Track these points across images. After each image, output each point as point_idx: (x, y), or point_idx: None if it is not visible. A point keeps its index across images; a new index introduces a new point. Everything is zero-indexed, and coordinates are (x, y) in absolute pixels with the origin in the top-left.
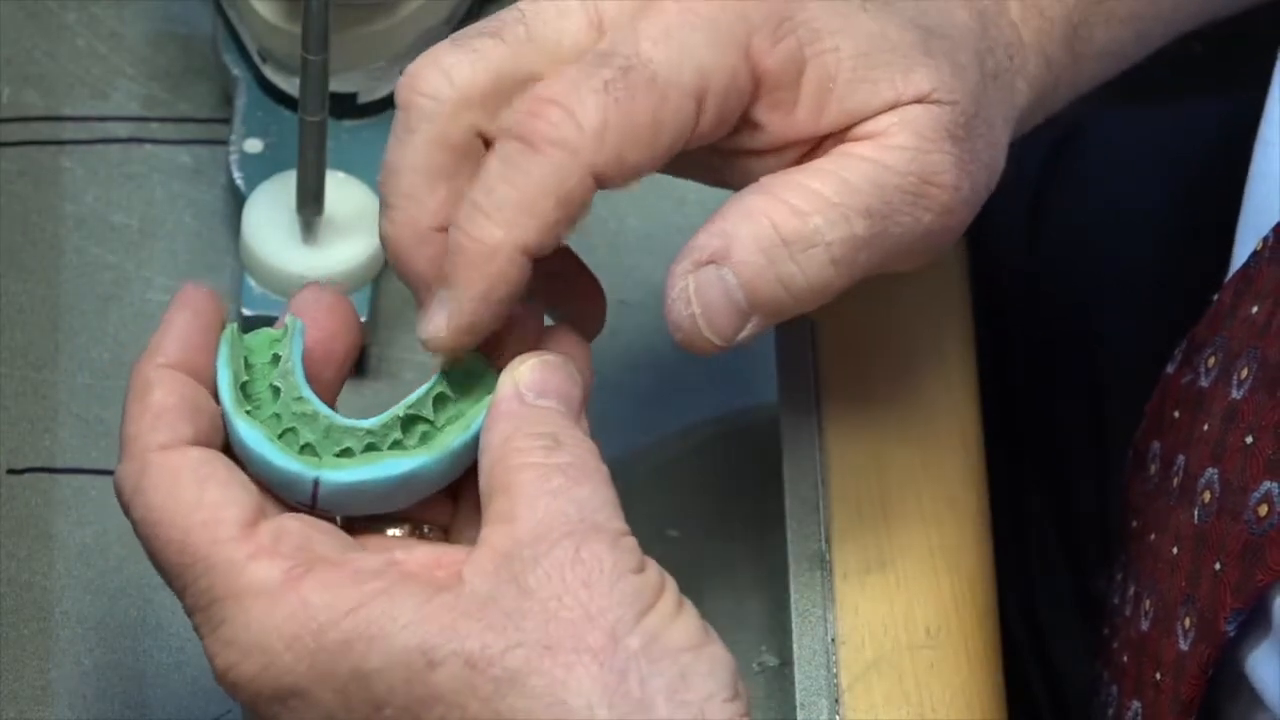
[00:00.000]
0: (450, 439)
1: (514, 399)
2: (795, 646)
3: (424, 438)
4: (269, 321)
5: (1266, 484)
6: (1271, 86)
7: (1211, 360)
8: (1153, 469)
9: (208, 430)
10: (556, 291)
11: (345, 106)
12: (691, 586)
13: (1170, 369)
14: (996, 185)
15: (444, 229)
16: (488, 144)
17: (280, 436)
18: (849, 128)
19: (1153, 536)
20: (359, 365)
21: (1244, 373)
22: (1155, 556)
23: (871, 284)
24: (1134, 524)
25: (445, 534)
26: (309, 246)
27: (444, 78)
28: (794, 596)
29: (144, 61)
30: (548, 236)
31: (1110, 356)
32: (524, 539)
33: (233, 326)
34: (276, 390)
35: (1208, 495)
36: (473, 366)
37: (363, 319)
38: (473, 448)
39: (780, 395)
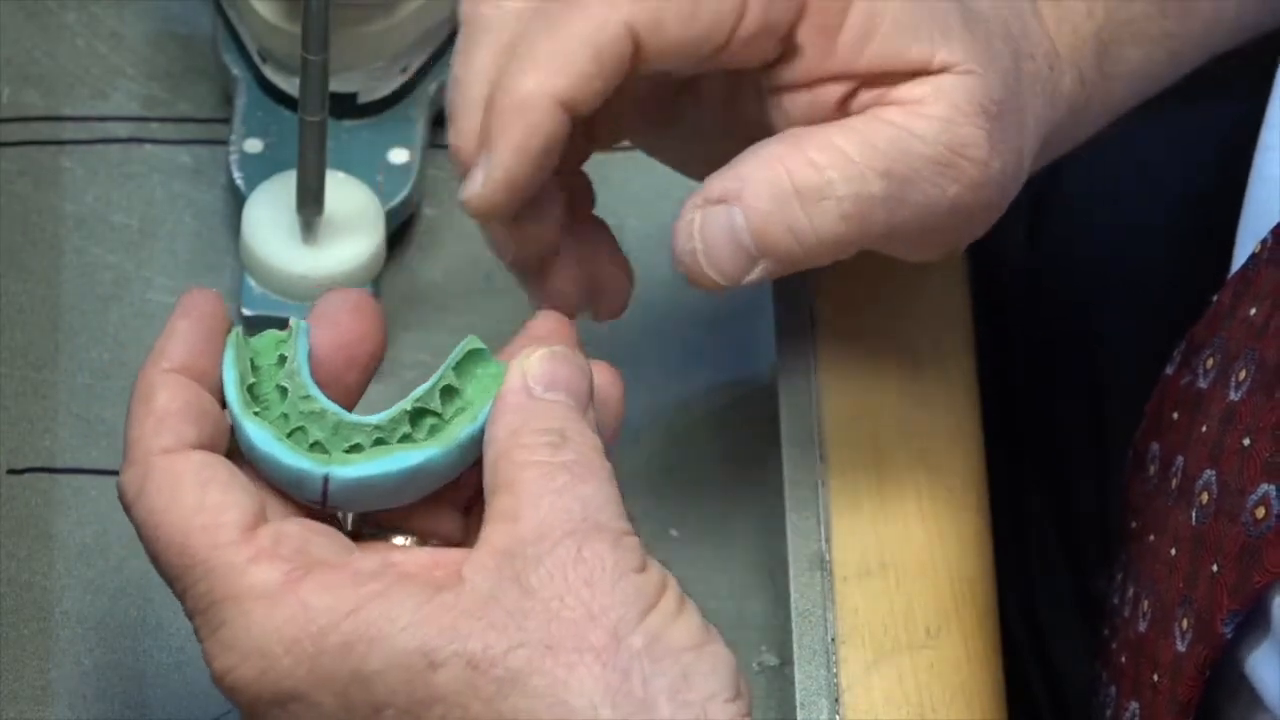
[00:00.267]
0: (458, 430)
1: (521, 391)
2: (795, 646)
3: (432, 431)
4: (269, 321)
5: (1264, 486)
6: (1273, 91)
7: (1210, 361)
8: (1152, 470)
9: (211, 434)
10: (588, 259)
11: (345, 106)
12: (692, 586)
13: (1169, 370)
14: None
15: None
16: None
17: (289, 436)
18: (883, 79)
19: (1152, 537)
20: None
21: (1242, 374)
22: (1154, 557)
23: (872, 283)
24: (1133, 524)
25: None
26: (309, 246)
27: None
28: (794, 596)
29: (144, 61)
30: (582, 89)
31: (1110, 356)
32: (526, 537)
33: (238, 329)
34: (283, 390)
35: (1205, 497)
36: (480, 359)
37: None
38: (481, 439)
39: (780, 395)
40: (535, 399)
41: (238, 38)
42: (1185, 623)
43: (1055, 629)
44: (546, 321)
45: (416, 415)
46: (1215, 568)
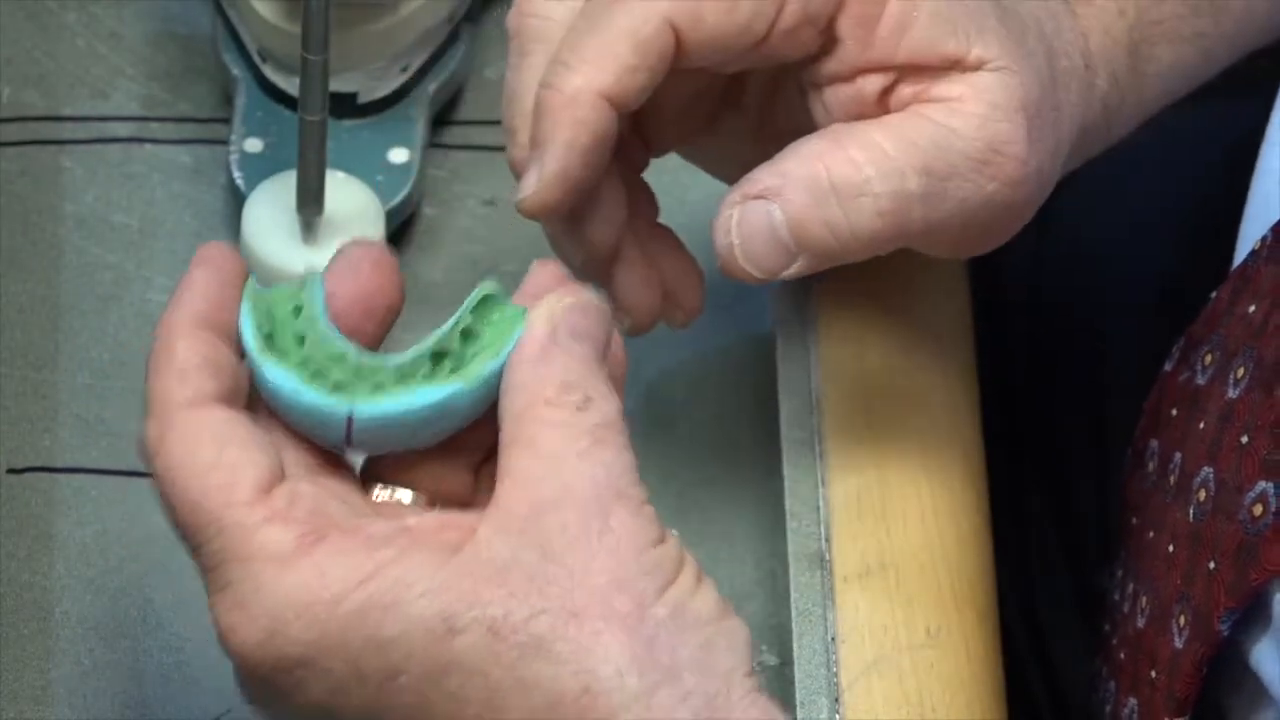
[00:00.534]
0: (482, 367)
1: (547, 336)
2: (795, 646)
3: (453, 371)
4: None
5: (1261, 484)
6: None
7: (1208, 358)
8: (1151, 467)
9: (231, 388)
10: (659, 265)
11: (345, 106)
12: None
13: (1168, 366)
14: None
15: None
16: None
17: (310, 380)
18: (921, 72)
19: (1150, 534)
20: None
21: (1240, 372)
22: (1153, 554)
23: (872, 283)
24: (1133, 521)
25: (464, 509)
26: (309, 246)
27: None
28: (794, 596)
29: (144, 61)
30: (627, 84)
31: (1111, 356)
32: (547, 501)
33: (253, 279)
34: (301, 338)
35: (1203, 494)
36: (497, 303)
37: None
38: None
39: (781, 395)
40: (560, 347)
41: (238, 37)
42: (1183, 619)
43: (1055, 628)
44: (546, 272)
45: (437, 357)
46: (1212, 565)
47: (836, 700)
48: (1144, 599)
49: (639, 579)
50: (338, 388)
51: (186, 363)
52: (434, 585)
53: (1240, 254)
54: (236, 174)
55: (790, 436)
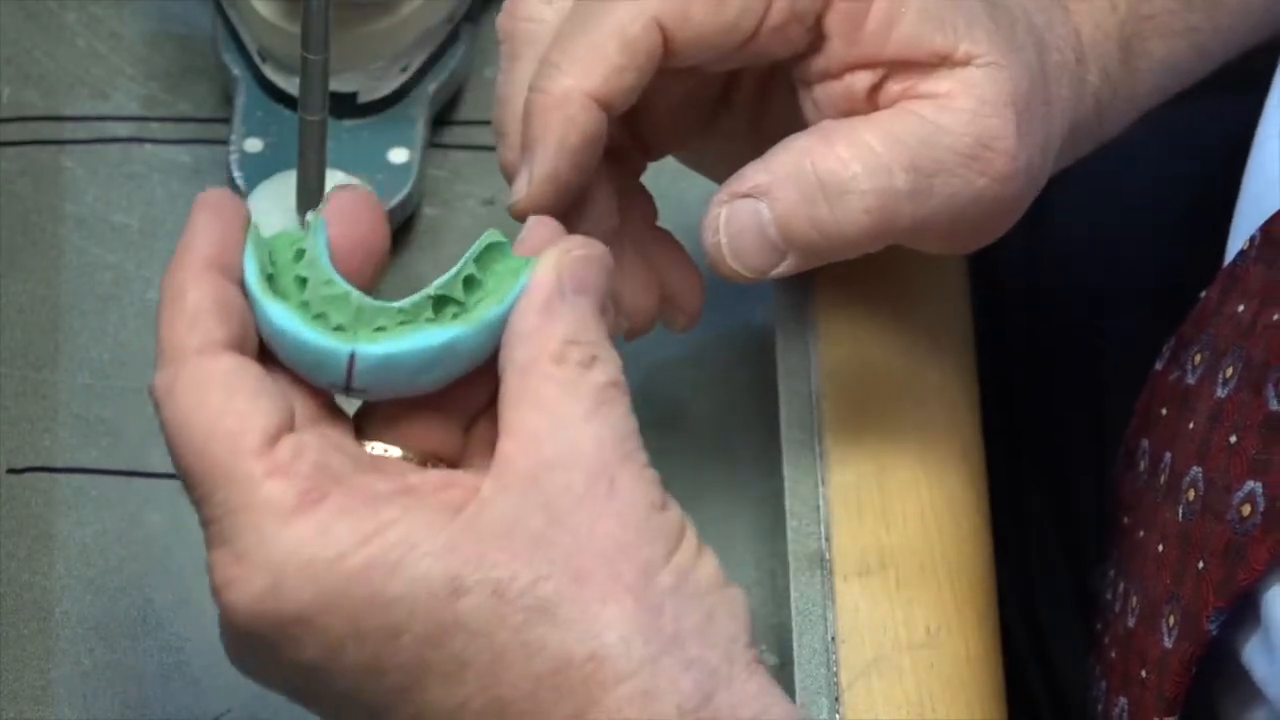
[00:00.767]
0: (486, 311)
1: (554, 285)
2: (795, 646)
3: (456, 317)
4: None
5: (1250, 484)
6: (1272, 86)
7: (1198, 358)
8: (1142, 466)
9: (240, 333)
10: (658, 270)
11: (345, 106)
12: None
13: (1159, 365)
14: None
15: None
16: None
17: (312, 322)
18: (909, 67)
19: (1141, 533)
20: None
21: (1229, 371)
22: (1143, 553)
23: (871, 282)
24: (1124, 520)
25: (452, 469)
26: None
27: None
28: (794, 596)
29: (144, 61)
30: (615, 84)
31: (1110, 354)
32: (553, 461)
33: (255, 222)
34: (302, 281)
35: (1192, 493)
36: (501, 253)
37: None
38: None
39: (781, 395)
40: (566, 300)
41: (238, 37)
42: (1172, 619)
43: (1055, 629)
44: (545, 227)
45: (440, 302)
46: (1201, 564)
47: (836, 700)
48: (1134, 598)
49: (644, 545)
50: (339, 330)
51: (198, 307)
52: (438, 546)
53: (1232, 249)
54: (236, 174)
55: (790, 436)
